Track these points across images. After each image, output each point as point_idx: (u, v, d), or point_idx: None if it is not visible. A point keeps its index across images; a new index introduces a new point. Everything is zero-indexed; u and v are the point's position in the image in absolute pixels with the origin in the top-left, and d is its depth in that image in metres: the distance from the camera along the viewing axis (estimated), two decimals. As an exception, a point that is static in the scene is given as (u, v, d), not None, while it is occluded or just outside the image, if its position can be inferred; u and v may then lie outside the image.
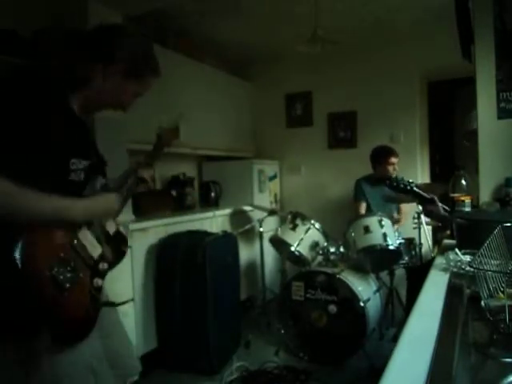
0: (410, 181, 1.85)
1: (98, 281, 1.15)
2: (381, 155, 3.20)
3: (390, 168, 3.17)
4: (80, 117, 1.19)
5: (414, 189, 1.84)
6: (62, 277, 1.00)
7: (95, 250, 1.17)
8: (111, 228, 1.29)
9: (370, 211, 3.15)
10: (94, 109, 1.27)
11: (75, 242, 1.09)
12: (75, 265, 1.06)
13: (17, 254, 0.92)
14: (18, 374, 1.05)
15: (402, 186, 1.82)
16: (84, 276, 1.10)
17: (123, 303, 1.44)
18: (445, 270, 1.28)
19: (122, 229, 1.34)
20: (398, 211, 3.31)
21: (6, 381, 1.06)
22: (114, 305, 1.33)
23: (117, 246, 1.31)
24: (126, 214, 2.64)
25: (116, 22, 1.29)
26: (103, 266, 1.19)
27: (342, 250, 2.86)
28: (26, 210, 0.96)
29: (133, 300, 2.51)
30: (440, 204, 1.85)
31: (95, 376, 1.13)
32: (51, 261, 0.99)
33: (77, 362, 1.09)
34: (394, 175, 3.21)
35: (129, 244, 1.39)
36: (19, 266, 0.92)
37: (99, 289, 1.16)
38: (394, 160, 3.18)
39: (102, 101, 1.23)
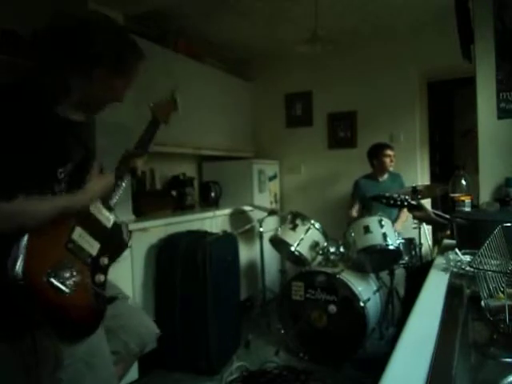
0: (406, 197, 1.85)
1: (100, 277, 1.17)
2: (376, 149, 3.29)
3: (387, 160, 3.24)
4: (72, 120, 1.17)
5: (410, 202, 1.83)
6: (60, 281, 1.02)
7: (93, 247, 1.17)
8: (108, 222, 1.28)
9: (370, 212, 3.15)
10: (91, 111, 1.26)
11: (70, 245, 1.10)
12: (73, 267, 1.07)
13: (16, 269, 0.94)
14: (18, 373, 1.06)
15: (399, 202, 1.82)
16: (84, 276, 1.11)
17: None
18: (445, 269, 1.28)
19: (118, 220, 1.32)
20: (399, 211, 3.31)
21: (6, 380, 1.07)
22: (115, 299, 1.34)
23: (117, 238, 1.31)
24: (126, 214, 2.64)
25: (85, 13, 1.24)
26: (103, 261, 1.20)
27: (341, 249, 2.86)
28: (38, 217, 1.01)
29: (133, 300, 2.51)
30: (432, 210, 1.85)
31: (90, 369, 1.14)
32: (47, 268, 1.01)
33: (71, 355, 1.10)
34: (390, 168, 3.28)
35: (129, 244, 1.39)
36: (18, 278, 0.94)
37: (102, 284, 1.17)
38: (389, 152, 3.26)
39: (96, 102, 1.22)
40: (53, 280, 1.00)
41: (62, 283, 1.02)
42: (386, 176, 3.33)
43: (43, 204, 1.04)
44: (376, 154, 3.28)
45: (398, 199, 1.80)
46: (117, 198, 1.36)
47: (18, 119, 1.00)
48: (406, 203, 1.81)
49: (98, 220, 1.24)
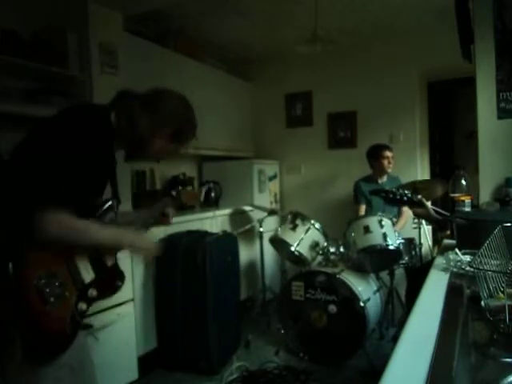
0: (406, 192, 1.84)
1: (82, 305, 1.17)
2: (375, 151, 3.28)
3: (385, 161, 3.23)
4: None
5: (410, 198, 1.83)
6: (47, 290, 1.05)
7: (88, 275, 1.21)
8: (110, 260, 1.31)
9: (371, 212, 3.15)
10: (132, 157, 1.39)
11: (70, 262, 1.15)
12: (63, 282, 1.10)
13: (10, 262, 0.99)
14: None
15: (398, 197, 1.81)
16: (70, 295, 1.13)
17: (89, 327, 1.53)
18: (445, 269, 1.28)
19: (119, 263, 1.36)
20: (399, 212, 3.31)
21: None
22: (90, 327, 1.42)
23: (112, 279, 1.33)
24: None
25: (167, 89, 1.41)
26: (92, 293, 1.21)
27: (341, 250, 2.86)
28: (88, 240, 1.15)
29: (133, 300, 2.50)
30: (432, 207, 1.85)
31: (76, 376, 1.16)
32: (40, 272, 1.04)
33: (58, 361, 1.10)
34: (389, 170, 3.27)
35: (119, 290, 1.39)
36: (10, 271, 0.98)
37: (82, 313, 1.18)
38: (388, 153, 3.24)
39: (141, 152, 1.34)
40: (41, 286, 1.03)
41: (49, 293, 1.05)
42: (385, 178, 3.32)
43: (105, 230, 1.20)
44: (374, 155, 3.27)
45: (398, 194, 1.80)
46: None
47: (87, 144, 1.12)
48: (405, 198, 1.80)
49: (101, 255, 1.29)
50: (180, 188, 1.63)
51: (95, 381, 1.30)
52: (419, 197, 1.84)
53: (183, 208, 1.70)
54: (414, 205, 1.85)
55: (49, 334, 1.08)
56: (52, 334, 1.08)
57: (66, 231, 1.07)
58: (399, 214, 3.29)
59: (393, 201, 1.85)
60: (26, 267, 1.02)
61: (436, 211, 1.81)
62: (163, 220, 1.57)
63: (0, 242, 1.02)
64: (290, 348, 2.76)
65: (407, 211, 3.20)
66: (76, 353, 1.15)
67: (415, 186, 2.59)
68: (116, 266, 1.34)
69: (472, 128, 2.16)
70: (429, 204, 1.86)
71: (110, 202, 1.29)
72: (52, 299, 1.06)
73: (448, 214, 1.75)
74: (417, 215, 2.05)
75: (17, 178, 1.07)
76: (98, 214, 1.26)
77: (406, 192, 1.83)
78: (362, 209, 3.26)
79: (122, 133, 1.25)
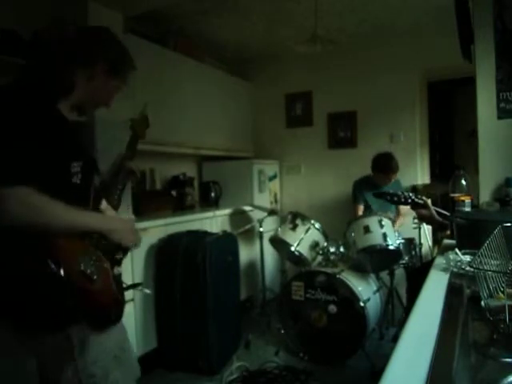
0: (410, 194, 1.85)
1: (117, 269, 1.27)
2: (382, 169, 3.18)
3: (387, 181, 3.18)
4: (68, 119, 1.22)
5: (414, 200, 1.84)
6: (89, 270, 1.08)
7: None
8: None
9: (369, 211, 3.15)
10: (84, 110, 1.32)
11: (91, 239, 1.17)
12: (97, 257, 1.15)
13: (51, 261, 1.00)
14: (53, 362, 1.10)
15: (402, 200, 1.82)
16: (106, 265, 1.19)
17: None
18: (445, 269, 1.28)
19: None
20: (397, 212, 3.31)
21: (35, 369, 1.09)
22: (138, 285, 1.50)
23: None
24: (126, 214, 2.64)
25: (96, 26, 1.34)
26: (119, 255, 1.28)
27: (341, 250, 2.86)
28: (55, 223, 1.05)
29: (133, 300, 2.51)
30: (433, 207, 1.85)
31: (119, 363, 1.21)
32: (78, 257, 1.08)
33: (103, 351, 1.17)
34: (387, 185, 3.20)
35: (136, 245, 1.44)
36: (54, 269, 1.00)
37: (120, 276, 1.28)
38: (392, 176, 3.18)
39: (88, 101, 1.28)
40: (83, 269, 1.07)
41: (91, 271, 1.09)
42: None
43: (70, 211, 1.09)
44: (380, 169, 3.19)
45: (402, 196, 1.81)
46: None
47: (26, 119, 1.04)
48: (409, 200, 1.81)
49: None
50: (131, 119, 1.56)
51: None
52: (424, 198, 1.85)
53: (140, 138, 1.57)
54: (418, 206, 1.85)
55: (105, 305, 1.16)
56: (108, 306, 1.17)
57: (28, 209, 0.99)
58: (397, 213, 3.30)
59: (397, 203, 1.86)
60: (65, 259, 1.03)
61: (437, 211, 1.81)
62: (130, 177, 1.51)
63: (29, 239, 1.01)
64: (290, 348, 2.76)
65: (404, 208, 3.20)
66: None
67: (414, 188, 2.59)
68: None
69: (473, 127, 2.16)
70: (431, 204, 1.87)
71: (76, 165, 1.18)
72: (95, 276, 1.10)
73: (448, 213, 1.75)
74: (421, 218, 2.06)
75: None
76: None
77: (410, 194, 1.84)
78: (361, 208, 3.26)
79: (58, 93, 1.17)
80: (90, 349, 1.12)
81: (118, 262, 1.28)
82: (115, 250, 1.25)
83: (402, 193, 1.85)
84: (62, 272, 1.01)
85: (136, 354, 2.47)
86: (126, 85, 1.35)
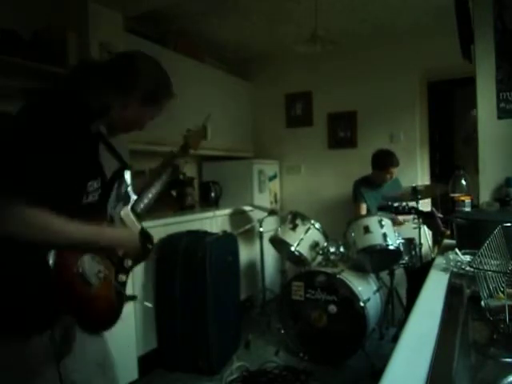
0: (414, 205, 1.88)
1: (122, 276, 1.25)
2: (382, 163, 3.18)
3: (388, 176, 3.16)
4: (102, 132, 1.24)
5: (419, 210, 1.86)
6: (88, 273, 1.08)
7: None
8: (136, 227, 1.33)
9: (369, 212, 3.15)
10: (114, 133, 1.32)
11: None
12: (101, 262, 1.14)
13: (49, 256, 0.99)
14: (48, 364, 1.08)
15: (407, 211, 1.84)
16: (109, 273, 1.18)
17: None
18: (445, 269, 1.28)
19: (145, 227, 1.38)
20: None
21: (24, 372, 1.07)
22: (135, 298, 1.48)
23: (142, 244, 1.34)
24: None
25: (130, 50, 1.32)
26: (127, 263, 1.27)
27: (341, 250, 2.86)
28: (62, 240, 1.02)
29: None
30: (439, 215, 1.86)
31: (102, 372, 1.21)
32: (79, 260, 1.07)
33: (85, 358, 1.16)
34: (389, 182, 3.20)
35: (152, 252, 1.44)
36: (51, 265, 0.99)
37: (123, 284, 1.26)
38: (393, 170, 3.16)
39: (121, 126, 1.28)
40: (82, 271, 1.06)
41: (90, 276, 1.08)
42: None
43: (69, 226, 1.03)
44: (380, 165, 3.18)
45: (406, 208, 1.82)
46: (147, 200, 1.41)
47: (56, 133, 1.03)
48: (413, 211, 1.83)
49: (127, 225, 1.31)
50: (187, 130, 1.59)
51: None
52: (433, 209, 1.87)
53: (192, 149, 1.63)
54: (424, 216, 1.87)
55: (99, 311, 1.15)
56: (102, 311, 1.16)
57: (27, 229, 0.96)
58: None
59: (401, 213, 1.88)
60: (65, 257, 1.02)
61: (442, 219, 1.82)
62: (174, 174, 1.54)
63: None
64: (290, 348, 2.76)
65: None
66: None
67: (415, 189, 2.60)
68: (143, 230, 1.34)
69: (468, 132, 2.18)
70: (428, 207, 1.89)
71: (94, 183, 1.15)
72: (94, 280, 1.09)
73: (449, 217, 1.77)
74: (429, 227, 2.09)
75: None
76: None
77: (414, 206, 1.86)
78: (363, 208, 3.23)
79: (93, 115, 1.17)
80: (72, 356, 1.11)
81: (126, 270, 1.26)
82: (123, 258, 1.24)
83: (407, 204, 1.87)
84: (52, 264, 0.99)
85: (136, 354, 2.49)
86: (161, 112, 1.34)
